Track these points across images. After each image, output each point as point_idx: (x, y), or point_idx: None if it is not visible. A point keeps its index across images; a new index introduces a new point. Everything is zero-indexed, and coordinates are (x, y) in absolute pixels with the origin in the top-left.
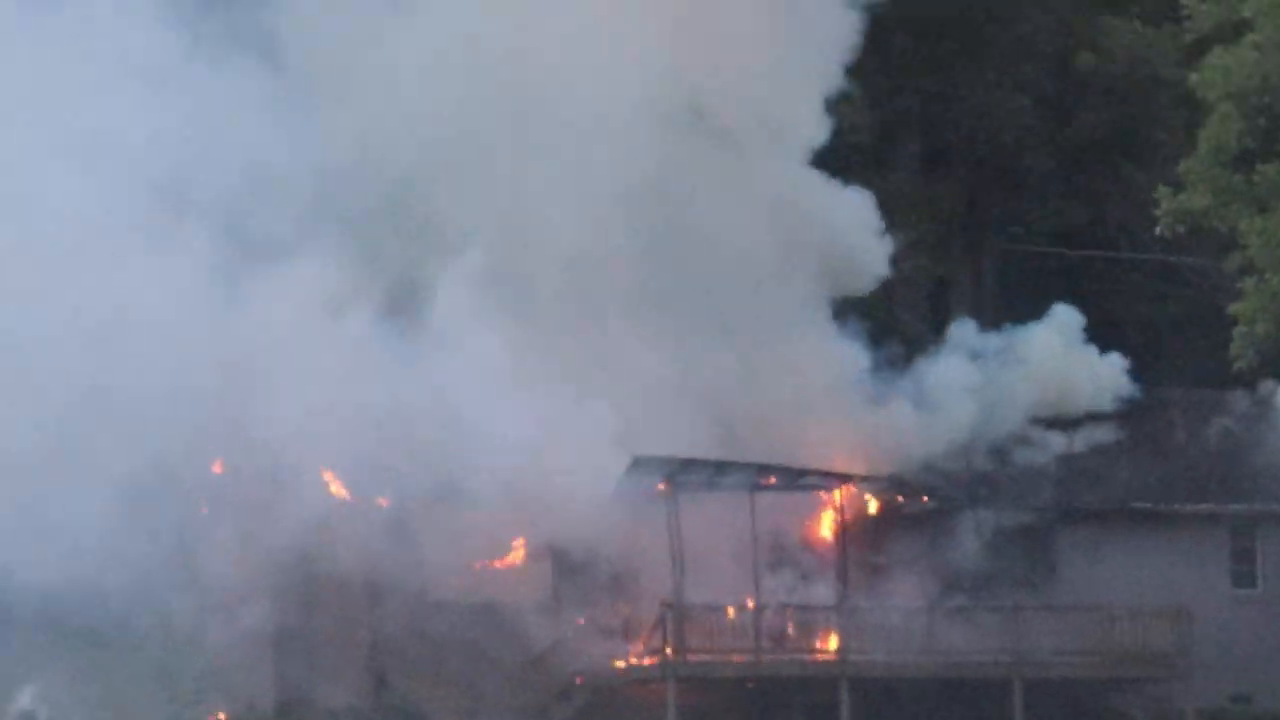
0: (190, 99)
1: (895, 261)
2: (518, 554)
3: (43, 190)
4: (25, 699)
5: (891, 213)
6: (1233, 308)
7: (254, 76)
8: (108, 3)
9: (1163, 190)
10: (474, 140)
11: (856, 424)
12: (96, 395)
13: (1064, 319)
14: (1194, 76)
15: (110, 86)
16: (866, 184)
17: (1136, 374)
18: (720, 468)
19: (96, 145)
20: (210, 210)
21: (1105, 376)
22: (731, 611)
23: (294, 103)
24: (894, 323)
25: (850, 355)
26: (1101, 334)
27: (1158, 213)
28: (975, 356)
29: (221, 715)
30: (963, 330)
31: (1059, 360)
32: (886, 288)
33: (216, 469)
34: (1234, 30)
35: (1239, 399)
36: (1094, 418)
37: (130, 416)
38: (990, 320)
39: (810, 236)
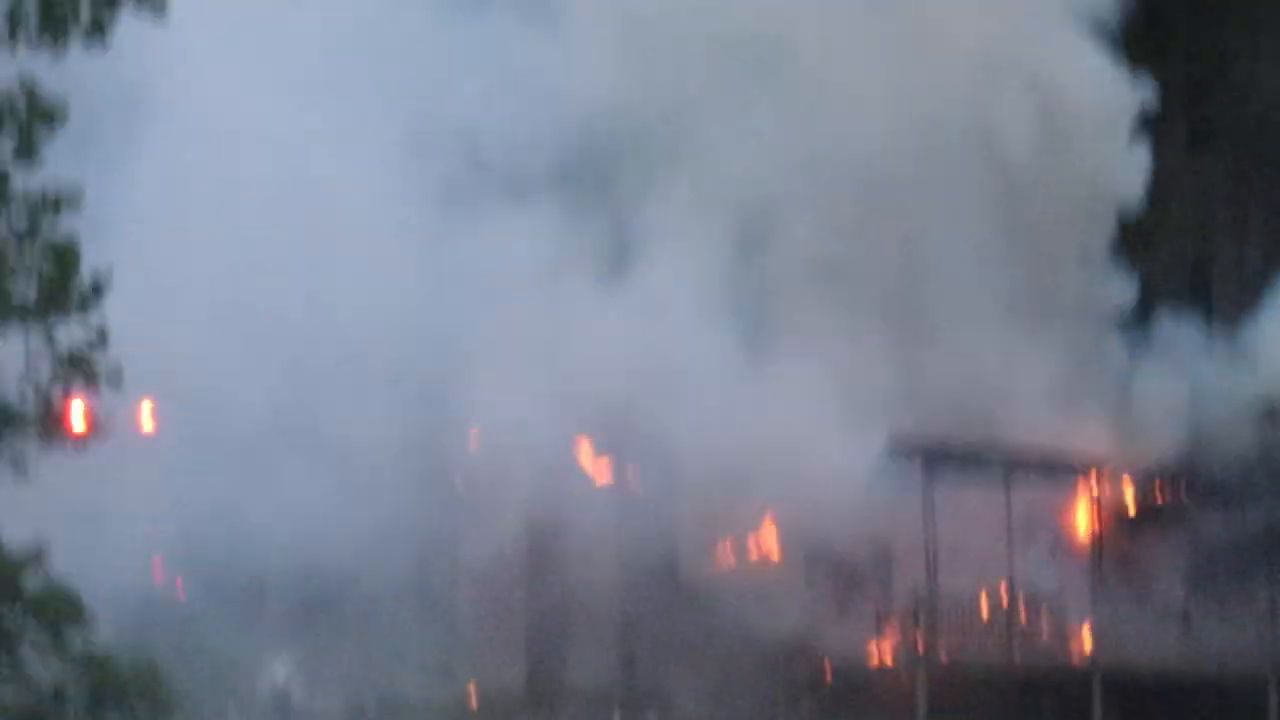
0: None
1: (1157, 242)
2: (769, 538)
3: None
4: (279, 675)
5: (1156, 190)
6: None
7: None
8: None
9: None
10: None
11: (1116, 410)
12: (346, 369)
13: None
14: None
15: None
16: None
17: None
18: (977, 451)
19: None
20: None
21: None
22: (985, 604)
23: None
24: (1155, 306)
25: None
26: None
27: None
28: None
29: (472, 688)
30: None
31: None
32: (1148, 270)
33: (473, 444)
34: None
35: None
36: None
37: (375, 392)
38: (1253, 303)
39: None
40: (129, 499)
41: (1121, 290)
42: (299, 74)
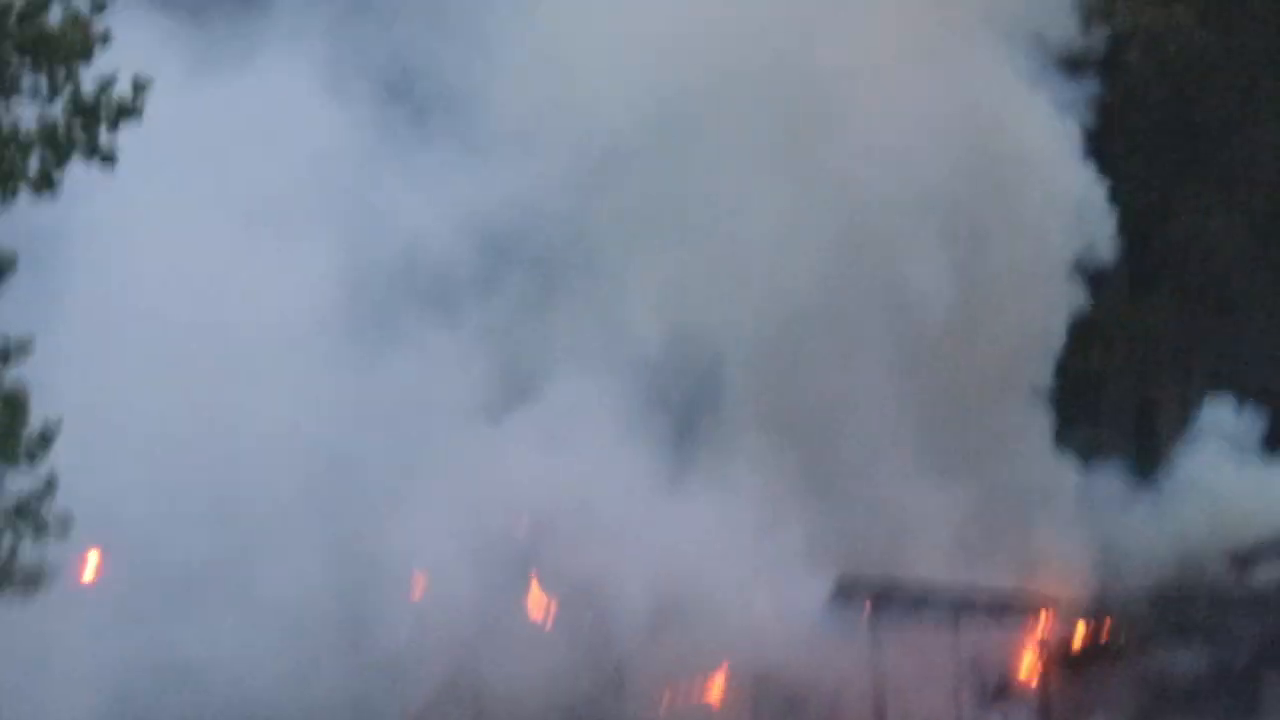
0: None
1: (1103, 384)
2: (718, 680)
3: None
4: None
5: (1100, 333)
6: None
7: None
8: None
9: None
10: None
11: (1068, 548)
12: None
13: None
14: None
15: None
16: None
17: None
18: (925, 592)
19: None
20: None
21: None
22: None
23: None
24: (1101, 447)
25: (1065, 477)
26: None
27: None
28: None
29: None
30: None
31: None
32: (1094, 411)
33: (418, 585)
34: None
35: None
36: None
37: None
38: None
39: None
40: (69, 647)
41: (1068, 433)
42: (233, 210)
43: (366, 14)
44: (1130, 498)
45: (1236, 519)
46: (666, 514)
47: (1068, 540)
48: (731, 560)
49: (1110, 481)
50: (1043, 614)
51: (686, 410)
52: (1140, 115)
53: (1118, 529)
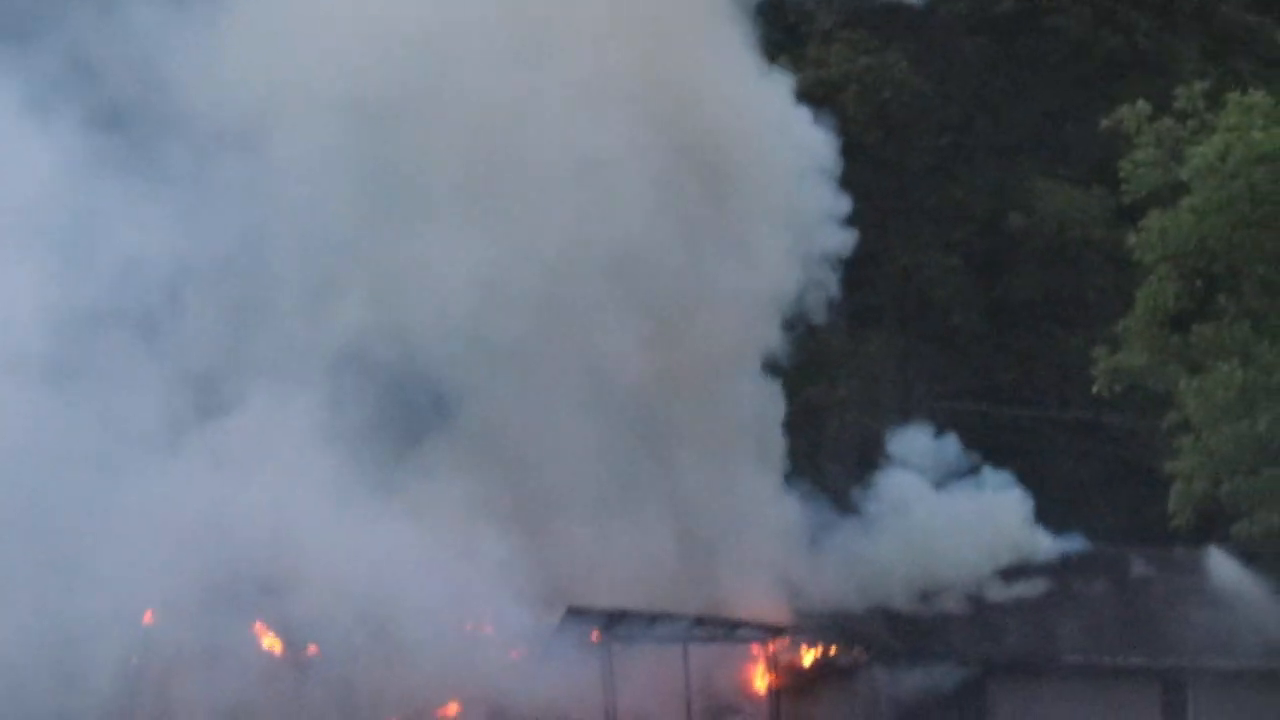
0: None
1: (823, 418)
2: (451, 708)
3: None
4: None
5: (819, 368)
6: (1170, 465)
7: None
8: None
9: (1099, 350)
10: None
11: (791, 575)
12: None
13: (996, 481)
14: (1132, 238)
15: None
16: (793, 337)
17: (1063, 530)
18: (654, 619)
19: None
20: None
21: (1040, 533)
22: None
23: None
24: (823, 478)
25: (786, 507)
26: (1028, 490)
27: (1095, 371)
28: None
29: None
30: (895, 482)
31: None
32: (815, 443)
33: (147, 618)
34: (1171, 193)
35: (1169, 555)
36: (1024, 571)
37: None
38: None
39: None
40: None
41: (792, 465)
42: None
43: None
44: (839, 526)
45: (922, 547)
46: (372, 543)
47: (792, 566)
48: (445, 588)
49: (825, 511)
50: (771, 637)
51: (395, 437)
52: (856, 156)
53: (828, 557)
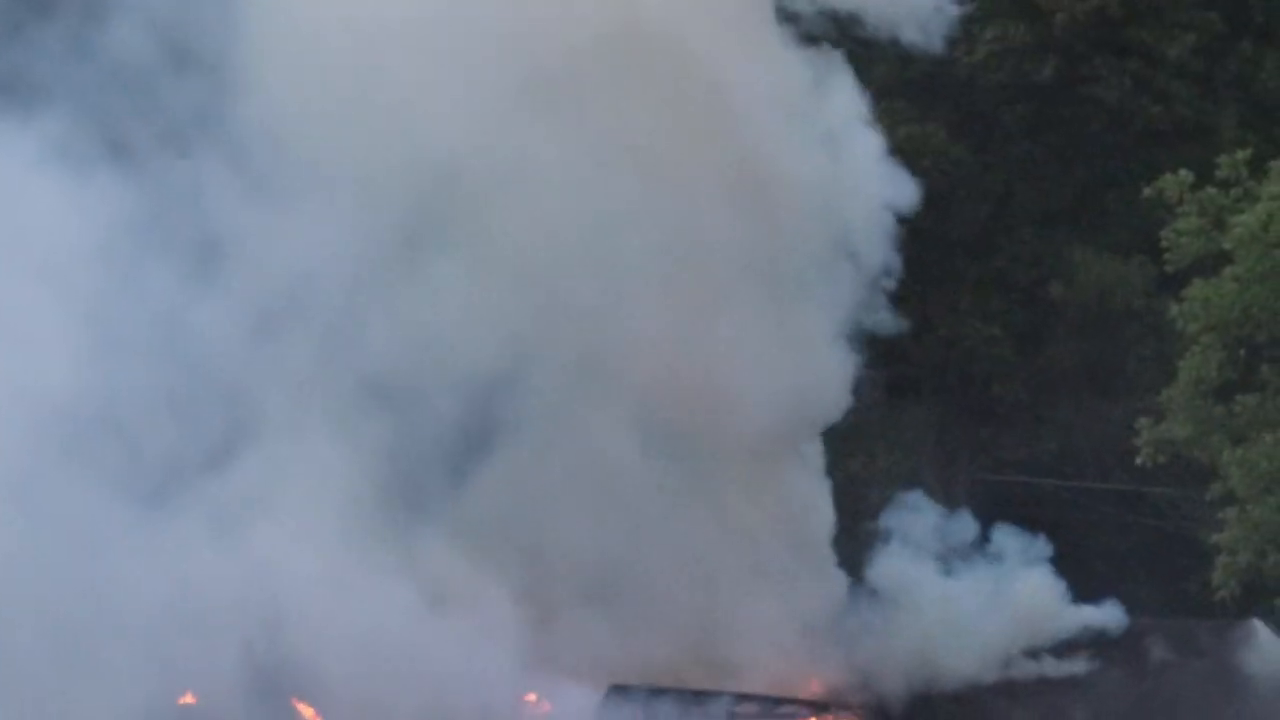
0: None
1: (864, 490)
2: None
3: None
4: None
5: (859, 441)
6: (1215, 537)
7: None
8: None
9: (1143, 421)
10: None
11: (837, 653)
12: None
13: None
14: (1174, 307)
15: None
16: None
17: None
18: (697, 697)
19: None
20: None
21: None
22: None
23: None
24: (862, 551)
25: (833, 583)
26: (1071, 563)
27: (1138, 442)
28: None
29: None
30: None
31: (1040, 599)
32: (854, 515)
33: (188, 699)
34: (1214, 262)
35: (1213, 630)
36: (1069, 646)
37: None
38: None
39: None
40: None
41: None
42: None
43: None
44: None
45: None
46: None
47: (832, 645)
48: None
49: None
50: (815, 713)
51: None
52: (897, 227)
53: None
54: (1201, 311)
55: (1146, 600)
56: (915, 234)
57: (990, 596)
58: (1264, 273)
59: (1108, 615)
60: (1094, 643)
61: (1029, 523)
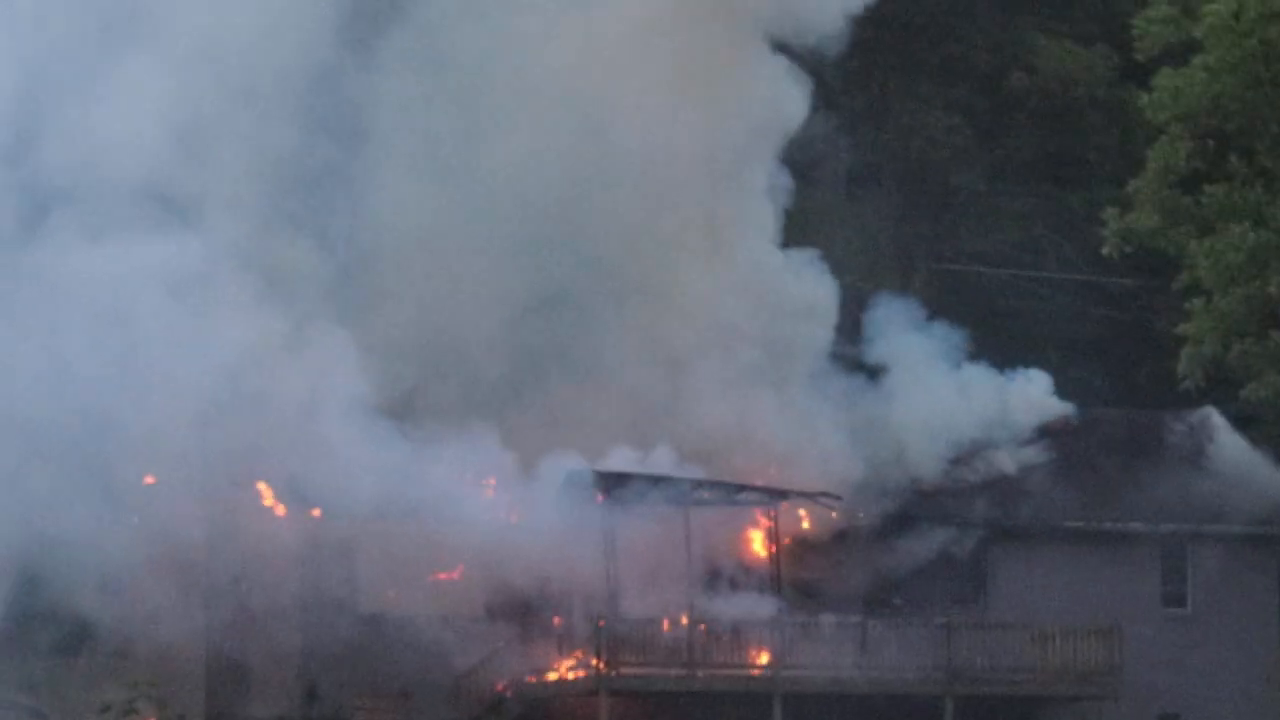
0: None
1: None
2: (450, 567)
3: None
4: None
5: (816, 228)
6: (1180, 327)
7: None
8: None
9: (1110, 211)
10: None
11: (792, 439)
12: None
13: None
14: (1144, 98)
15: None
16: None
17: (1065, 394)
18: (656, 482)
19: None
20: None
21: (1033, 396)
22: (666, 626)
23: None
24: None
25: (789, 368)
26: (1028, 355)
27: (1105, 233)
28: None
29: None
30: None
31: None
32: None
33: (148, 480)
34: (1183, 51)
35: (1170, 419)
36: (1025, 437)
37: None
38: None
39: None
40: None
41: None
42: None
43: None
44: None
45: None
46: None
47: (800, 433)
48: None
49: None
50: (774, 501)
51: None
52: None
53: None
54: (1170, 101)
55: (1102, 390)
56: (876, 19)
57: (956, 391)
58: (1235, 62)
59: (1063, 405)
60: (1050, 432)
61: (987, 313)
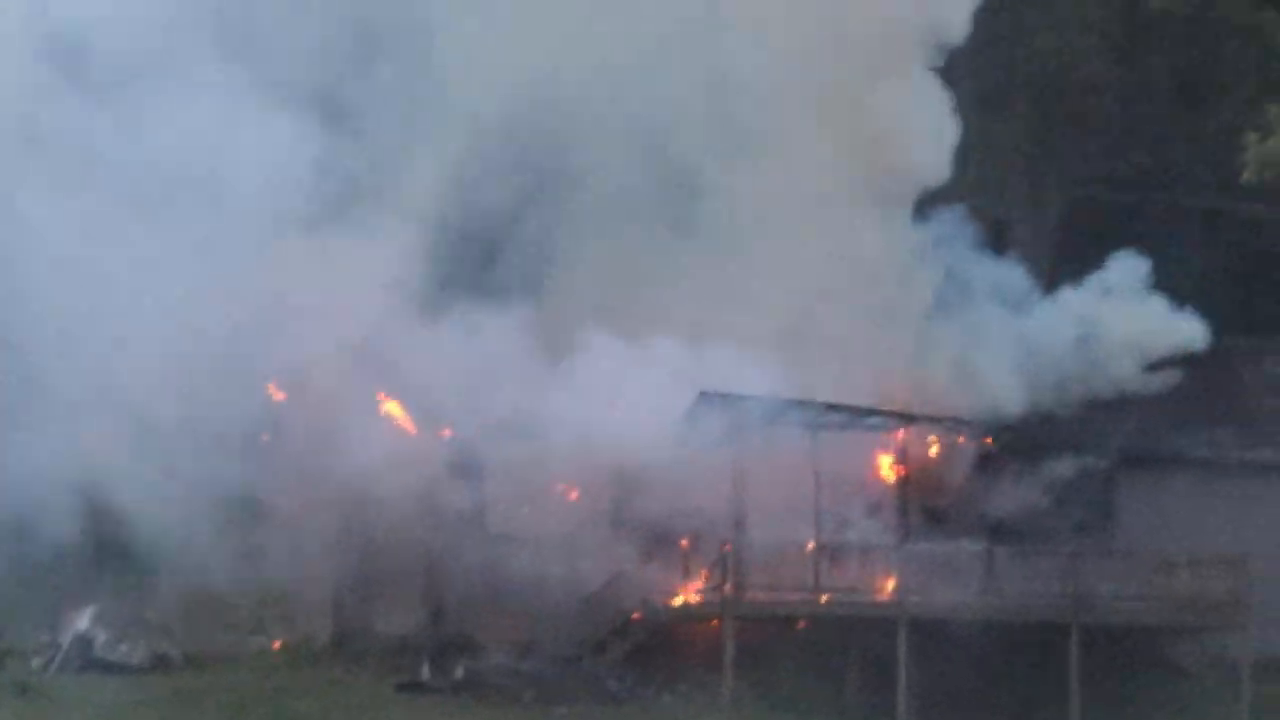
0: None
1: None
2: (578, 488)
3: None
4: (84, 621)
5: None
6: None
7: None
8: None
9: (1251, 135)
10: None
11: (921, 365)
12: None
13: (1127, 268)
14: None
15: None
16: None
17: (1202, 323)
18: (784, 406)
19: None
20: None
21: (1175, 327)
22: (791, 551)
23: None
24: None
25: (916, 295)
26: (1164, 282)
27: (1245, 158)
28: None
29: (277, 644)
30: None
31: (1124, 312)
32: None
33: (277, 395)
34: None
35: None
36: (1159, 364)
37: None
38: (1050, 265)
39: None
40: None
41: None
42: None
43: None
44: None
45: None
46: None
47: (929, 358)
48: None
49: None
50: (900, 425)
51: None
52: None
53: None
54: None
55: (1232, 318)
56: None
57: (1086, 319)
58: None
59: (1195, 329)
60: (1180, 360)
61: (1120, 239)
